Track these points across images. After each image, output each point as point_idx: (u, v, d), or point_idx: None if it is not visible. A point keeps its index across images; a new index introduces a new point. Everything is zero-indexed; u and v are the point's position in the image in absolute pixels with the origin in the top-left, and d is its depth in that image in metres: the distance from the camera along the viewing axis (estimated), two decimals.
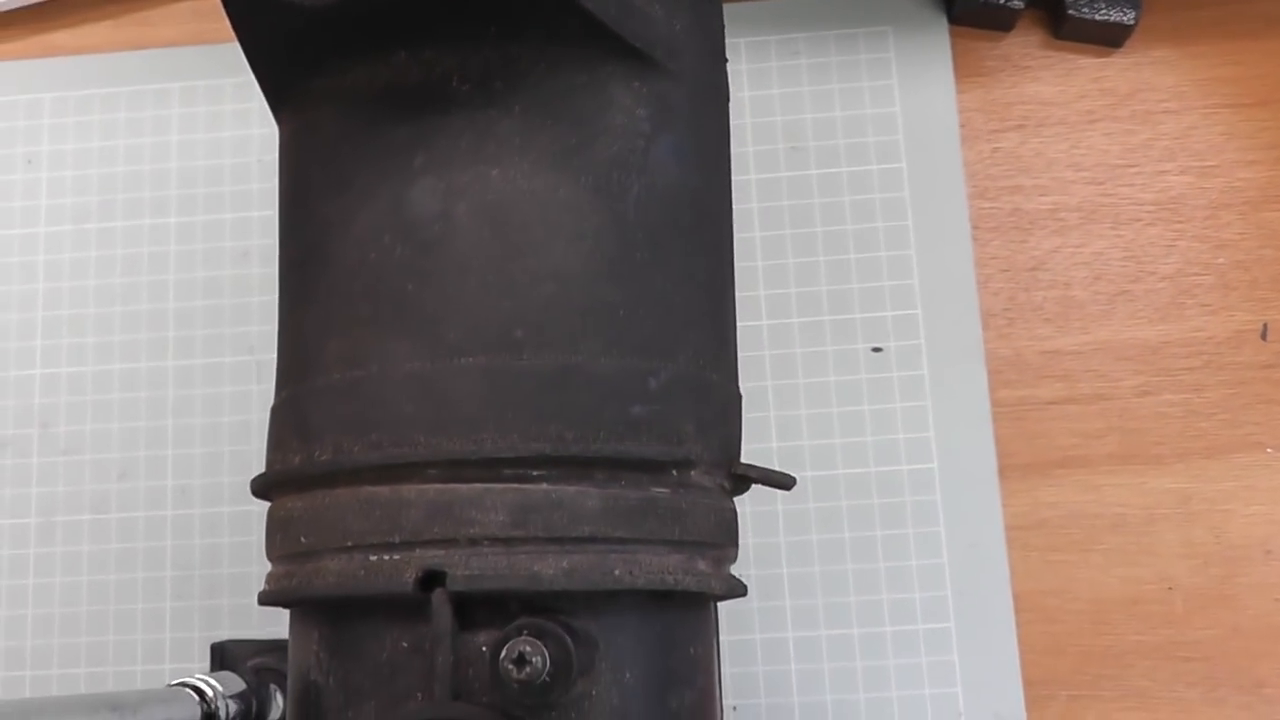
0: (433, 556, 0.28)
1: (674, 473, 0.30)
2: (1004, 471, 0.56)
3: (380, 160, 0.31)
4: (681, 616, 0.31)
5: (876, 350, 0.56)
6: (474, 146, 0.30)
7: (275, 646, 0.44)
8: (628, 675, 0.29)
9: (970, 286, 0.56)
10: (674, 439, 0.30)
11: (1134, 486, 0.56)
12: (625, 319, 0.30)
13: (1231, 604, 0.55)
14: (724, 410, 0.32)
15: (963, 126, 0.58)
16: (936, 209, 0.57)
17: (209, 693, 0.38)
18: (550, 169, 0.30)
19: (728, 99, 0.35)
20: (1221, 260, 0.57)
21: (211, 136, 0.61)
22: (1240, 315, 0.57)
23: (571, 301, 0.29)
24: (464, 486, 0.29)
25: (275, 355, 0.57)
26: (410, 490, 0.29)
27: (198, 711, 0.37)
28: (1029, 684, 0.54)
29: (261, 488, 0.32)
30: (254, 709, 0.39)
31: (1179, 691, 0.55)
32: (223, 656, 0.47)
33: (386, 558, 0.29)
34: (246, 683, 0.39)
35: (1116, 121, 0.58)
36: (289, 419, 0.31)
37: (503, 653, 0.26)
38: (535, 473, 0.29)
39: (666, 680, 0.30)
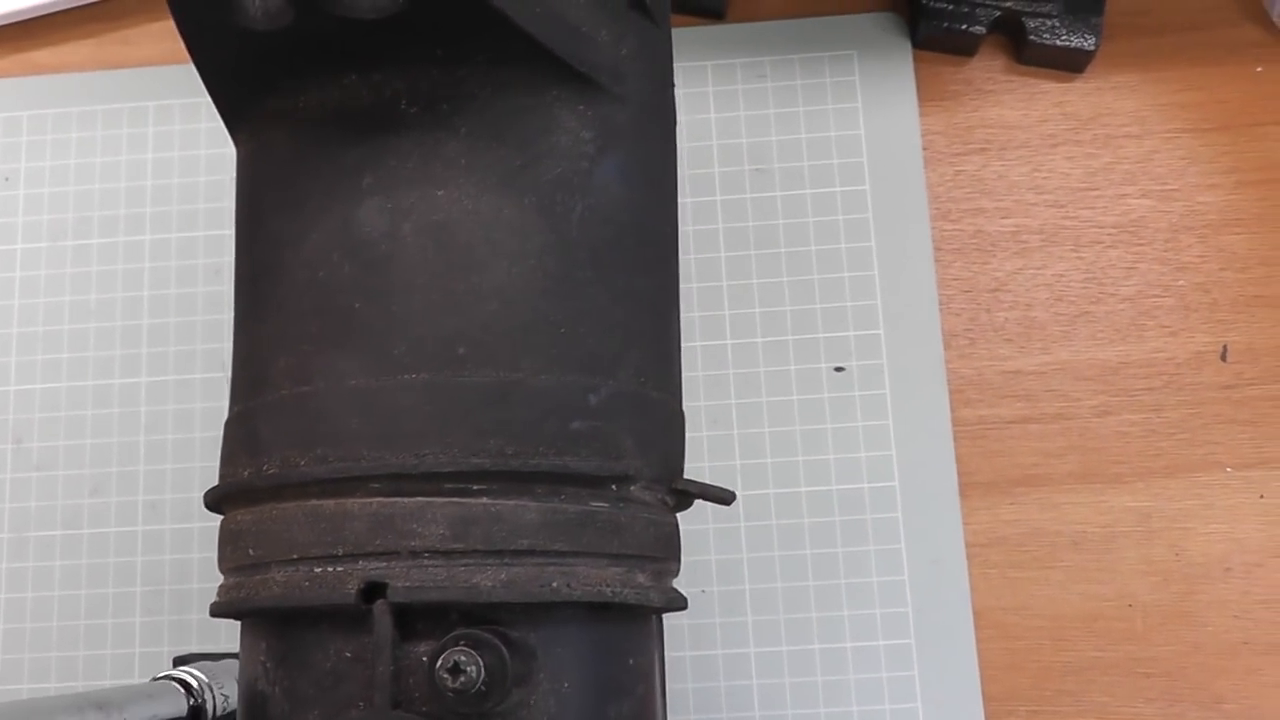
0: (375, 569, 0.29)
1: (613, 487, 0.31)
2: (965, 490, 0.56)
3: (331, 180, 0.32)
4: (621, 628, 0.31)
5: (839, 369, 0.57)
6: (421, 167, 0.31)
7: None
8: (565, 685, 0.30)
9: (933, 307, 0.57)
10: (613, 454, 0.31)
11: (1094, 505, 0.56)
12: (566, 336, 0.30)
13: (1191, 621, 0.55)
14: (665, 426, 0.33)
15: (926, 149, 0.59)
16: (900, 230, 0.58)
17: (195, 684, 0.38)
18: (495, 190, 0.31)
19: (674, 122, 0.36)
20: (1182, 282, 0.58)
21: (187, 154, 0.62)
22: (1200, 337, 0.58)
23: (513, 319, 0.30)
24: (406, 500, 0.29)
25: None
26: (354, 504, 0.29)
27: (185, 705, 0.38)
28: (989, 699, 0.55)
29: (213, 501, 0.33)
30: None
31: (1138, 707, 0.55)
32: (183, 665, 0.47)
33: (330, 569, 0.29)
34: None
35: (1078, 145, 0.59)
36: (239, 434, 0.32)
37: (439, 662, 0.27)
38: (476, 487, 0.29)
39: (605, 690, 0.31)
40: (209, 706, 0.40)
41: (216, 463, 0.57)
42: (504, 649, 0.27)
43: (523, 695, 0.29)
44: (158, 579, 0.57)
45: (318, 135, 0.32)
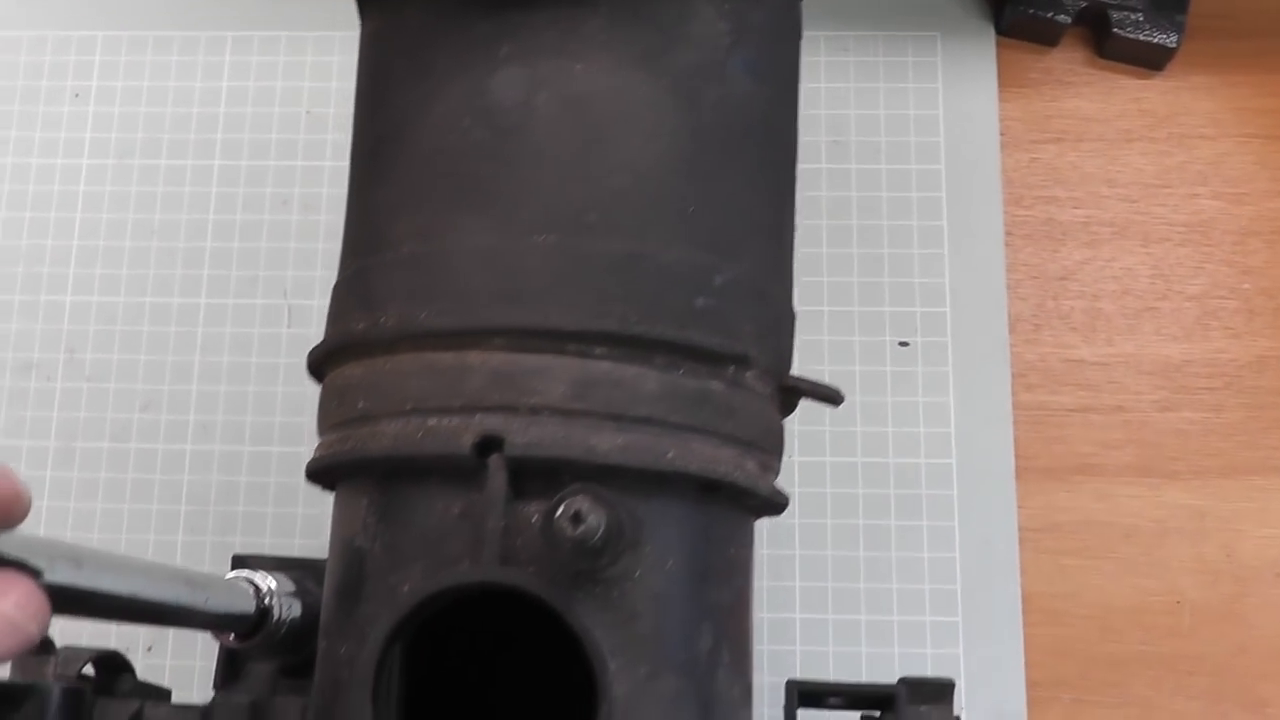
0: (492, 422, 0.29)
1: (730, 369, 0.31)
2: (1021, 473, 0.56)
3: (464, 50, 0.32)
4: (725, 515, 0.31)
5: (903, 344, 0.57)
6: (559, 41, 0.31)
7: (294, 564, 0.43)
8: (670, 563, 0.30)
9: (1000, 290, 0.57)
10: (733, 335, 0.30)
11: (1149, 499, 0.56)
12: (694, 216, 0.30)
13: (1239, 622, 0.55)
14: (779, 321, 0.33)
15: (1003, 134, 0.59)
16: (972, 212, 0.58)
17: (264, 589, 0.38)
18: (632, 68, 0.31)
19: (800, 36, 0.36)
20: (1247, 285, 0.58)
21: (262, 85, 0.62)
22: (1263, 341, 0.58)
23: (644, 193, 0.30)
24: (528, 357, 0.29)
25: (310, 302, 0.57)
26: (474, 357, 0.29)
27: (252, 605, 0.37)
28: (1032, 684, 0.54)
29: (319, 358, 0.33)
30: (314, 611, 0.39)
31: (1181, 704, 0.55)
32: (244, 567, 0.46)
33: (446, 421, 0.29)
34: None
35: (1153, 142, 0.59)
36: (354, 290, 0.32)
37: (559, 510, 0.26)
38: (598, 350, 0.29)
39: (707, 574, 0.30)
40: (274, 612, 0.40)
41: (271, 388, 0.57)
42: (621, 508, 0.27)
43: (628, 566, 0.29)
44: (203, 499, 0.56)
45: (452, 8, 0.32)
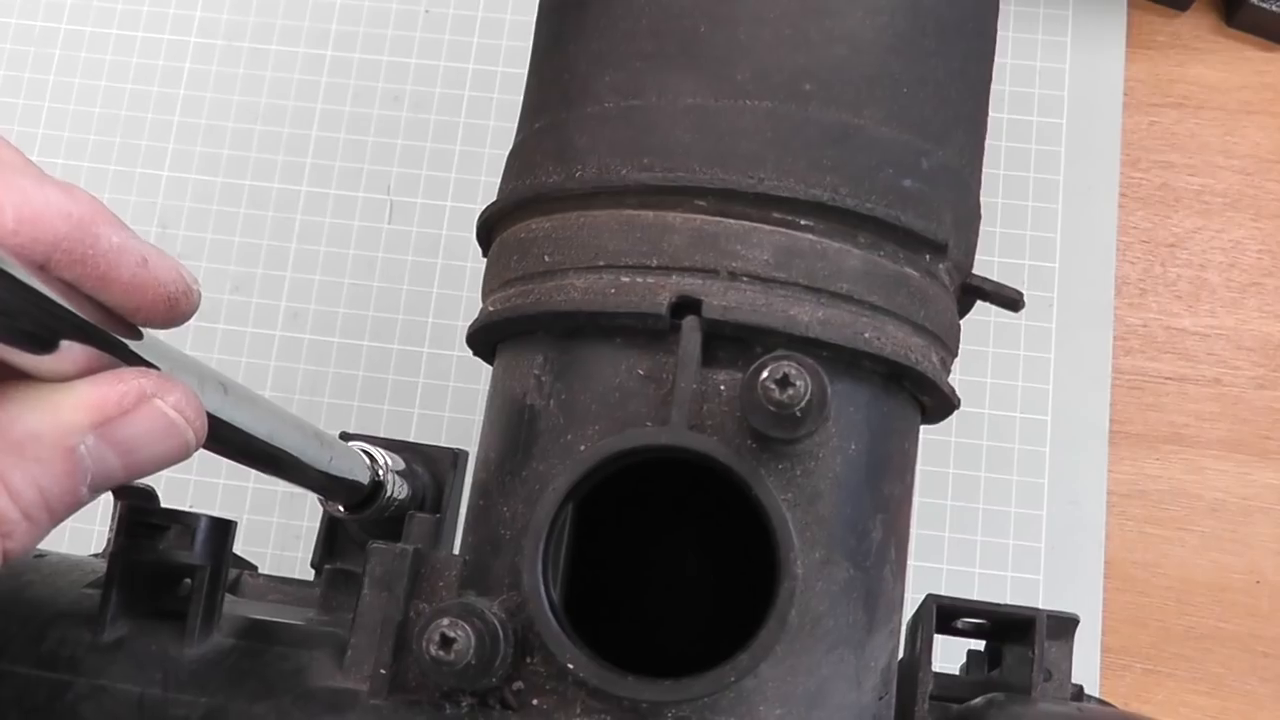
0: (690, 284, 0.28)
1: (927, 257, 0.30)
2: (1114, 437, 0.55)
3: None
4: (903, 408, 0.30)
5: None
6: None
7: (399, 445, 0.43)
8: (853, 447, 0.29)
9: (1110, 251, 0.56)
10: (936, 221, 0.30)
11: (1238, 475, 0.56)
12: (908, 96, 0.30)
13: None
14: (972, 216, 0.32)
15: (1126, 95, 0.58)
16: (1088, 170, 0.57)
17: (380, 462, 0.37)
18: None
19: None
20: None
21: None
22: None
23: (861, 67, 0.29)
24: (732, 221, 0.28)
25: (413, 199, 0.57)
26: (676, 217, 0.28)
27: (367, 476, 0.37)
28: (1106, 650, 0.54)
29: (497, 214, 0.32)
30: (420, 495, 0.39)
31: (1253, 685, 0.54)
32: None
33: (641, 279, 0.28)
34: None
35: (1273, 117, 0.58)
36: (545, 144, 0.31)
37: (765, 373, 0.25)
38: (804, 221, 0.28)
39: (884, 465, 0.30)
40: (387, 488, 0.39)
41: (367, 282, 0.56)
42: (824, 376, 0.26)
43: (816, 444, 0.28)
44: (288, 388, 0.56)
45: None
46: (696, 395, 0.28)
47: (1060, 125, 0.57)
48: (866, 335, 0.28)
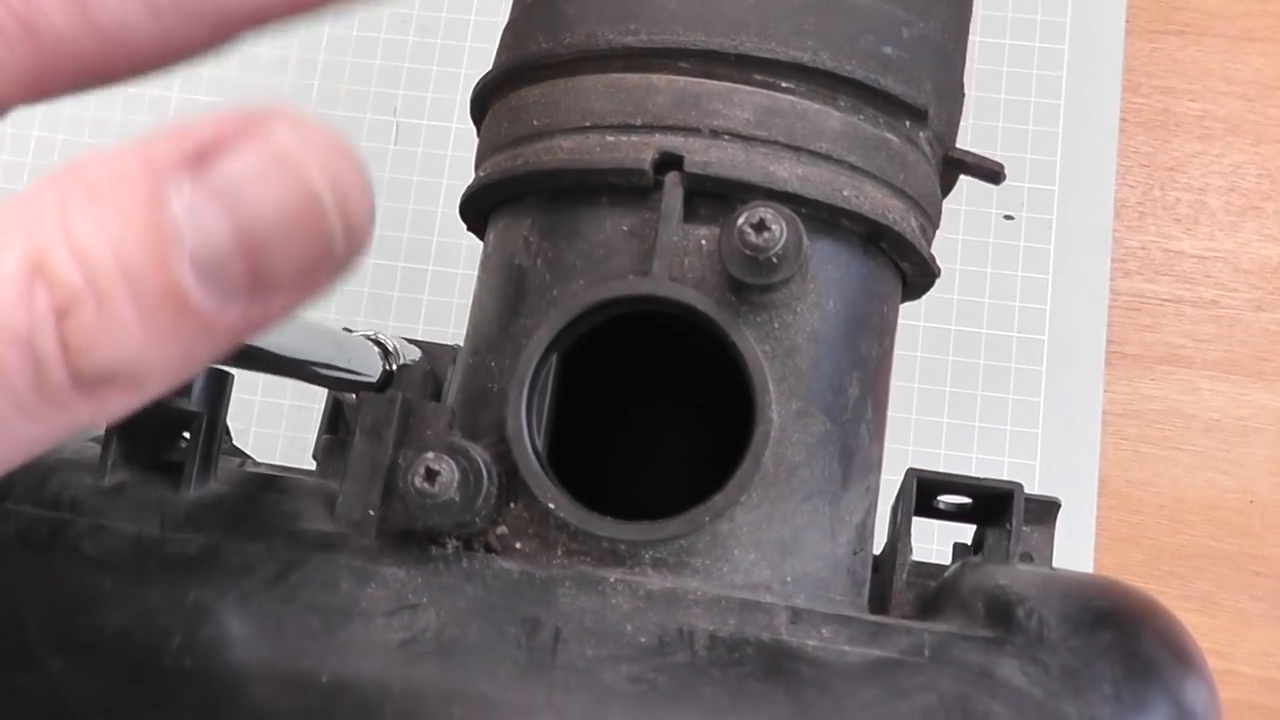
0: (672, 141, 0.29)
1: (907, 123, 0.31)
2: (1110, 358, 0.56)
3: None
4: (882, 271, 0.31)
5: (1008, 218, 0.56)
6: None
7: (424, 347, 0.44)
8: (830, 304, 0.30)
9: (1109, 174, 0.57)
10: (916, 88, 0.30)
11: (1233, 396, 0.56)
12: None
13: None
14: (955, 90, 0.32)
15: (1128, 21, 0.58)
16: (1089, 95, 0.57)
17: (392, 350, 0.38)
18: None
19: None
20: None
21: None
22: None
23: None
24: (714, 82, 0.29)
25: (419, 121, 0.57)
26: (660, 79, 0.29)
27: (379, 368, 0.38)
28: (1099, 568, 0.55)
29: (489, 84, 0.32)
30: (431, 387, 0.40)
31: (1244, 604, 0.55)
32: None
33: (625, 138, 0.29)
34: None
35: (1275, 44, 0.59)
36: (537, 16, 0.32)
37: (742, 217, 0.26)
38: (785, 83, 0.29)
39: (861, 324, 0.30)
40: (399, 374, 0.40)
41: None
42: (800, 224, 0.27)
43: (793, 295, 0.29)
44: None
45: None
46: (678, 249, 0.29)
47: (1062, 51, 0.58)
48: (845, 193, 0.29)
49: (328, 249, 0.16)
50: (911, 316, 0.56)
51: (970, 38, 0.56)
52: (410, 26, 0.59)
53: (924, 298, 0.55)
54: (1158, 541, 0.55)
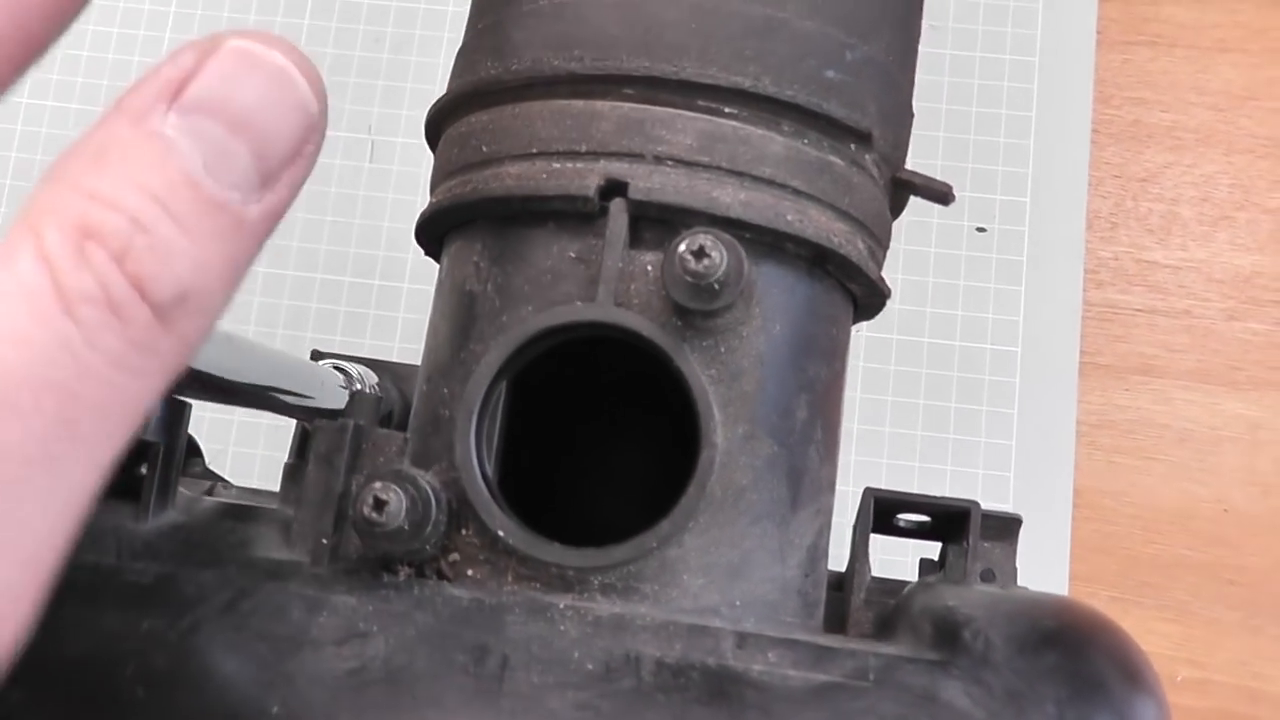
0: (617, 168, 0.29)
1: (852, 146, 0.31)
2: (1084, 369, 0.56)
3: None
4: (830, 294, 0.31)
5: (980, 230, 0.57)
6: None
7: (368, 363, 0.44)
8: (776, 328, 0.30)
9: (1082, 185, 0.57)
10: (859, 111, 0.31)
11: (1206, 405, 0.56)
12: None
13: None
14: (901, 112, 0.33)
15: (1099, 33, 0.59)
16: (1061, 106, 0.58)
17: (355, 378, 0.39)
18: None
19: None
20: None
21: None
22: None
23: None
24: (657, 108, 0.29)
25: (394, 139, 0.58)
26: (604, 105, 0.29)
27: (344, 398, 0.38)
28: (1075, 578, 0.55)
29: (441, 110, 0.33)
30: (389, 410, 0.40)
31: (1219, 612, 0.55)
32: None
33: (570, 165, 0.29)
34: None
35: (1245, 54, 0.59)
36: (486, 42, 0.32)
37: (683, 244, 0.27)
38: (727, 109, 0.29)
39: (808, 347, 0.31)
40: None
41: (349, 219, 0.58)
42: (741, 249, 0.27)
43: (738, 320, 0.29)
44: (272, 323, 0.57)
45: None
46: (623, 274, 0.29)
47: (1033, 63, 0.58)
48: (789, 217, 0.29)
49: (308, 111, 0.18)
50: (884, 330, 0.56)
51: (942, 51, 0.56)
52: (385, 44, 0.59)
53: (896, 311, 0.56)
54: (1132, 552, 0.55)
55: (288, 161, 0.18)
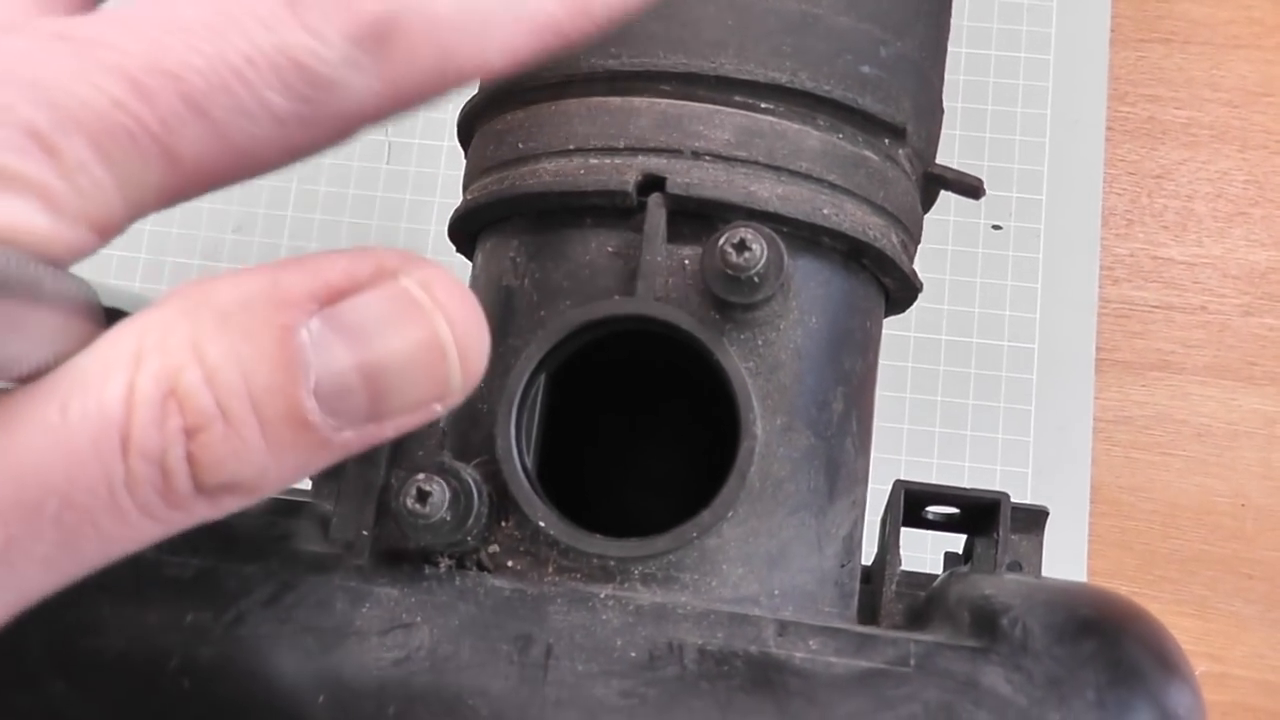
0: (655, 163, 0.29)
1: (886, 141, 0.31)
2: (1100, 365, 0.56)
3: None
4: (865, 287, 0.32)
5: (996, 228, 0.57)
6: None
7: None
8: (813, 320, 0.30)
9: (1097, 182, 0.57)
10: (894, 106, 0.31)
11: (1223, 401, 0.57)
12: None
13: None
14: (933, 108, 0.33)
15: (1113, 30, 0.59)
16: (1076, 104, 0.58)
17: None
18: None
19: None
20: None
21: None
22: None
23: None
24: (695, 104, 0.30)
25: (411, 140, 0.58)
26: (641, 101, 0.30)
27: None
28: (1093, 574, 0.55)
29: (475, 108, 0.33)
30: None
31: (1237, 607, 0.55)
32: None
33: (609, 160, 0.30)
34: None
35: (1260, 50, 0.59)
36: None
37: (723, 238, 0.27)
38: (764, 104, 0.30)
39: (844, 340, 0.31)
40: None
41: (367, 221, 0.58)
42: (781, 243, 0.27)
43: (776, 313, 0.29)
44: None
45: None
46: (662, 269, 0.29)
47: (1048, 61, 0.58)
48: (825, 211, 0.30)
49: (446, 387, 0.17)
50: (902, 327, 0.56)
51: (957, 49, 0.57)
52: None
53: (915, 309, 0.56)
54: (1150, 547, 0.55)
55: (402, 414, 0.17)
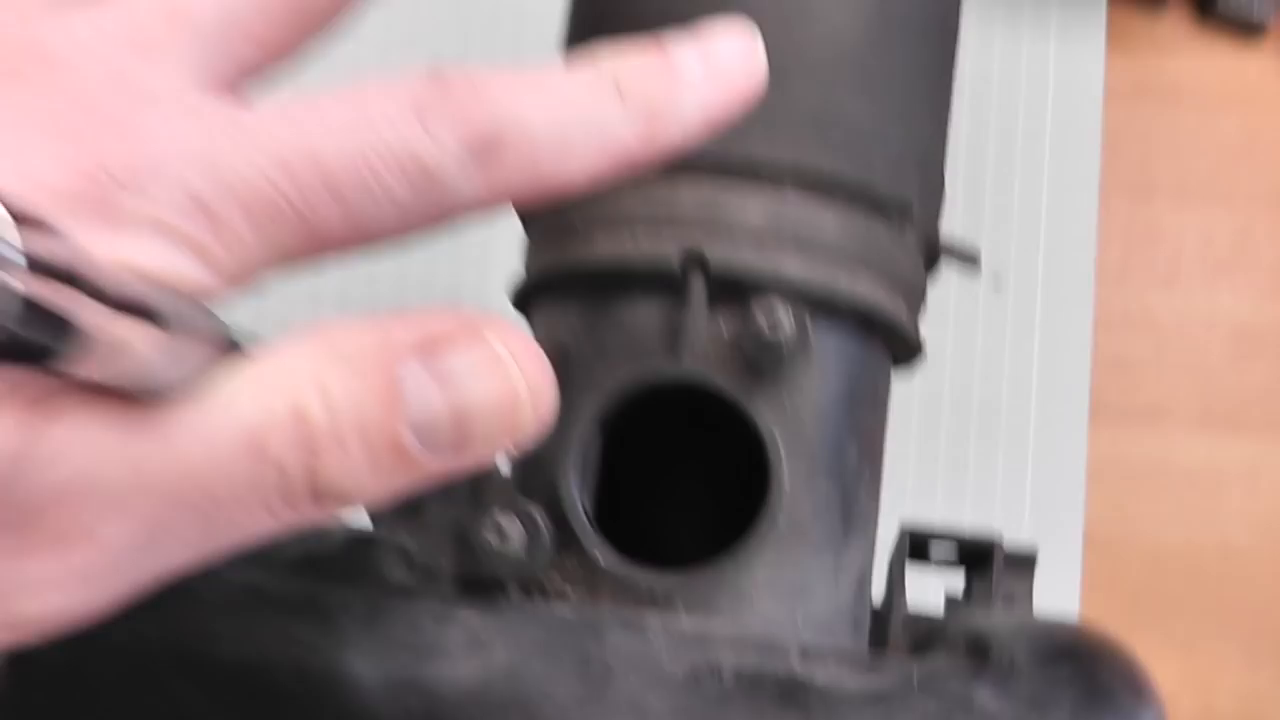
0: (696, 240, 0.34)
1: (895, 218, 0.35)
2: (1094, 415, 0.60)
3: None
4: (876, 352, 0.36)
5: (996, 286, 0.61)
6: None
7: None
8: (832, 381, 0.34)
9: (1091, 238, 0.61)
10: (903, 187, 0.35)
11: (1210, 448, 0.60)
12: (879, 83, 0.35)
13: None
14: (937, 186, 0.37)
15: (1106, 92, 0.63)
16: (1071, 162, 0.62)
17: None
18: None
19: None
20: None
21: None
22: None
23: (838, 58, 0.35)
24: (729, 185, 0.34)
25: None
26: (683, 182, 0.34)
27: None
28: (1084, 616, 0.59)
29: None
30: None
31: (1221, 648, 0.58)
32: None
33: (656, 237, 0.34)
34: None
35: (1247, 108, 0.63)
36: None
37: (756, 310, 0.31)
38: (789, 186, 0.34)
39: (858, 398, 0.35)
40: None
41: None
42: (806, 316, 0.32)
43: (799, 376, 0.34)
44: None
45: None
46: (702, 335, 0.33)
47: (1044, 122, 0.63)
48: (842, 285, 0.34)
49: (519, 428, 0.22)
50: (907, 382, 0.60)
51: (959, 116, 0.61)
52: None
53: (920, 366, 0.60)
54: (1139, 590, 0.59)
55: (481, 450, 0.22)
